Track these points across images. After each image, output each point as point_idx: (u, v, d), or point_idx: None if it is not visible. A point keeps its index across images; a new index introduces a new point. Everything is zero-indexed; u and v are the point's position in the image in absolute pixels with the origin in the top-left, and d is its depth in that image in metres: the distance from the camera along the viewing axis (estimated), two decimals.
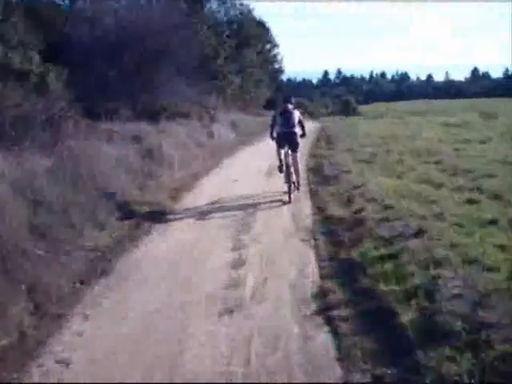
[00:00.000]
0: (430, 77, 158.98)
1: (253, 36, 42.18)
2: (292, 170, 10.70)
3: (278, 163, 11.56)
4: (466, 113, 47.07)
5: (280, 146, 10.87)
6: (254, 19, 43.27)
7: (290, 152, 10.74)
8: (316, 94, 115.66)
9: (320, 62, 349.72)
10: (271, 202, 11.61)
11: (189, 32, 24.04)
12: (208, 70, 29.17)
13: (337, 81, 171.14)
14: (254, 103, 38.38)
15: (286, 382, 4.53)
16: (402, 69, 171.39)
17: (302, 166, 13.27)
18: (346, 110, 76.64)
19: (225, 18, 39.28)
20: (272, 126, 11.20)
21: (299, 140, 10.98)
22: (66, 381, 4.74)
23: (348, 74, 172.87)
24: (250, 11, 41.62)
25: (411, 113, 56.89)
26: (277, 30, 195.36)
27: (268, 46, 74.04)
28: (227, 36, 37.13)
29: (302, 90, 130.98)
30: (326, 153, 20.46)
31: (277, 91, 71.13)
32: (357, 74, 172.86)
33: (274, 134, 11.13)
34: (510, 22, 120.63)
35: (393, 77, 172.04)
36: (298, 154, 11.12)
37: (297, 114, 10.77)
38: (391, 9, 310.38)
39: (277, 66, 74.19)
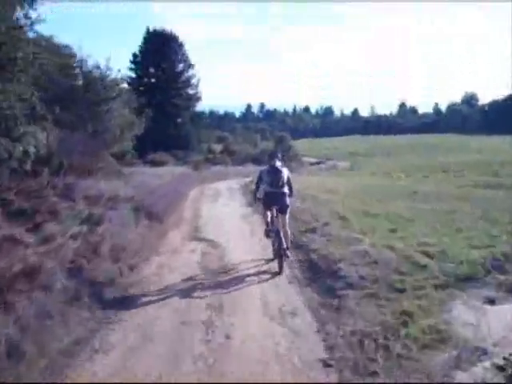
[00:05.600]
0: (355, 111, 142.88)
1: None
2: (282, 234, 8.29)
3: None
4: None
5: (267, 207, 8.75)
6: None
7: (279, 214, 8.52)
8: (239, 128, 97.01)
9: (243, 97, 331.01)
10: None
11: None
12: None
13: (260, 115, 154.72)
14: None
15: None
16: (325, 104, 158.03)
17: None
18: (280, 147, 55.75)
19: None
20: (257, 185, 9.11)
21: (289, 201, 8.62)
22: None
23: (271, 108, 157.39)
24: None
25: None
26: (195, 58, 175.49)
27: (180, 66, 53.77)
28: None
29: (224, 123, 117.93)
30: None
31: (192, 125, 50.69)
32: (280, 109, 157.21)
33: (260, 194, 9.03)
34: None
35: (317, 111, 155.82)
36: (287, 216, 8.57)
37: (286, 173, 8.72)
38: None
39: (191, 91, 53.36)
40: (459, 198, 14.99)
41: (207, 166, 33.15)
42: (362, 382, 4.14)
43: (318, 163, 54.73)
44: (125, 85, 18.39)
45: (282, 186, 8.47)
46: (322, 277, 6.82)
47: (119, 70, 18.25)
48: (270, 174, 8.57)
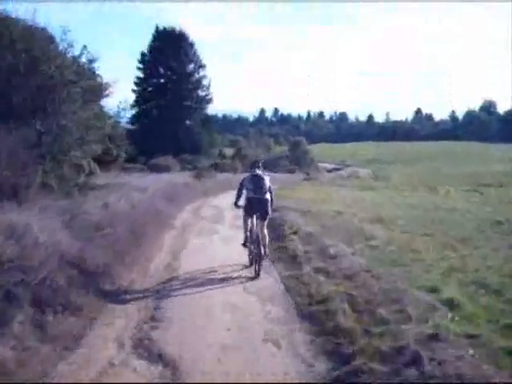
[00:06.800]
0: (370, 117, 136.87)
1: None
2: (260, 239, 8.23)
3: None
4: None
5: (248, 213, 8.61)
6: None
7: (258, 221, 8.44)
8: (252, 132, 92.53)
9: (257, 103, 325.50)
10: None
11: None
12: None
13: (273, 119, 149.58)
14: None
15: None
16: (340, 109, 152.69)
17: None
18: (296, 153, 50.41)
19: None
20: (239, 193, 8.86)
21: (270, 209, 8.56)
22: None
23: (285, 113, 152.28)
24: None
25: None
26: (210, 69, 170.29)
27: (191, 67, 48.71)
28: None
29: (237, 127, 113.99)
30: None
31: (203, 129, 45.84)
32: (294, 114, 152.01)
33: (241, 202, 8.84)
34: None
35: (331, 117, 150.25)
36: (266, 223, 8.48)
37: (267, 180, 8.65)
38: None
39: (202, 93, 48.42)
40: None
41: (213, 174, 27.59)
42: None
43: (337, 170, 49.18)
44: (93, 66, 12.86)
45: (265, 193, 8.49)
46: None
47: (85, 46, 12.82)
48: (252, 180, 8.57)
